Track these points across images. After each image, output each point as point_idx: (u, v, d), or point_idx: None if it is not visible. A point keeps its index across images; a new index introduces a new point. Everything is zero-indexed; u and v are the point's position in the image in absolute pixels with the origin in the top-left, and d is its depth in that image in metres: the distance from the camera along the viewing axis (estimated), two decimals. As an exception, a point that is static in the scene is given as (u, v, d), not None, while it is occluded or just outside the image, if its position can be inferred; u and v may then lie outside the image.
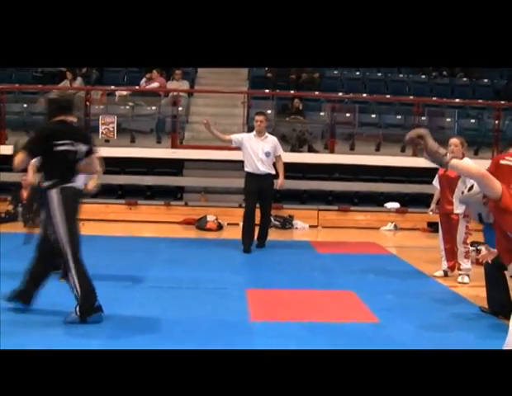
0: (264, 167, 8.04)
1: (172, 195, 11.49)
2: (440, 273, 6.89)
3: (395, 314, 5.27)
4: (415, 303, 5.76)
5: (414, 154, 11.81)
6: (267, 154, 8.07)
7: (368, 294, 5.86)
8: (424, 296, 6.02)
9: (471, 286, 6.43)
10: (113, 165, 11.05)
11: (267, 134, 8.26)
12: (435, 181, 7.08)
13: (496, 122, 12.38)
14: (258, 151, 8.04)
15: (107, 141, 11.06)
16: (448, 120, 13.14)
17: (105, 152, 10.45)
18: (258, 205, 8.21)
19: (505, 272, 4.29)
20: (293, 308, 5.43)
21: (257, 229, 8.23)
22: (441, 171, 6.65)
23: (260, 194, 8.16)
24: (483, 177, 3.53)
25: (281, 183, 8.28)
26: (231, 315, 5.10)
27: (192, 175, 11.69)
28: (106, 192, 11.07)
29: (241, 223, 10.56)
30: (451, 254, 6.81)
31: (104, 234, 8.98)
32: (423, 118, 12.63)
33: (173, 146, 11.38)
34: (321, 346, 4.34)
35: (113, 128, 11.00)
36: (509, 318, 3.57)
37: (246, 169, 8.15)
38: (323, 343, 4.40)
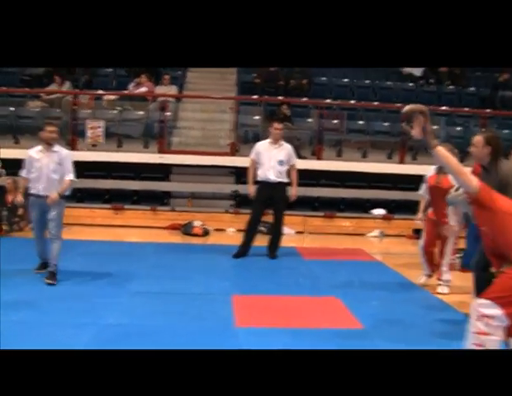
0: (275, 176, 7.93)
1: (158, 200, 11.47)
2: (423, 279, 6.89)
3: (380, 321, 5.29)
4: (400, 309, 5.79)
5: (401, 162, 11.90)
6: (281, 163, 7.96)
7: (353, 300, 5.88)
8: (409, 303, 6.06)
9: (457, 293, 6.45)
10: (100, 169, 11.07)
11: (282, 142, 8.13)
12: (422, 191, 7.01)
13: (483, 130, 12.48)
14: (271, 159, 7.95)
15: (94, 145, 11.04)
16: (435, 127, 13.22)
17: (92, 156, 10.58)
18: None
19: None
20: (278, 314, 5.44)
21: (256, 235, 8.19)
22: (431, 181, 6.60)
23: (272, 203, 8.10)
24: (460, 173, 3.56)
25: (294, 193, 8.19)
26: (216, 321, 5.11)
27: (179, 180, 11.67)
28: (93, 197, 11.08)
29: (229, 229, 10.65)
30: (432, 260, 6.83)
31: (90, 239, 8.96)
32: (410, 125, 12.69)
33: (161, 151, 11.37)
34: (305, 349, 4.37)
35: (100, 132, 10.97)
36: None
37: (258, 177, 8.04)
38: (306, 347, 4.41)
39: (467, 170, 3.77)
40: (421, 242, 6.91)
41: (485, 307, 3.45)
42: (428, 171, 6.80)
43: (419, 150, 12.43)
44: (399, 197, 11.74)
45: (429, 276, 6.87)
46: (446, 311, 5.80)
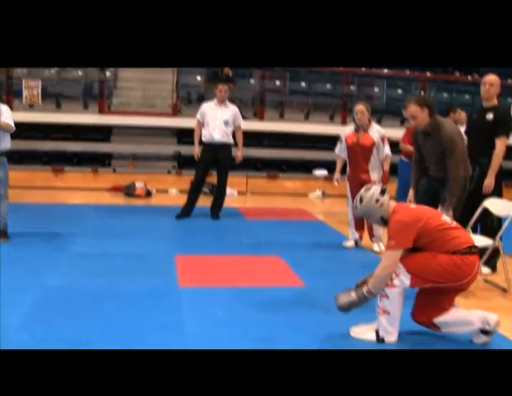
0: (221, 136, 7.90)
1: (99, 161, 11.30)
2: (351, 243, 6.82)
3: (321, 278, 5.40)
4: (341, 267, 5.91)
5: (343, 123, 12.05)
6: (226, 123, 7.93)
7: (295, 259, 5.97)
8: (350, 261, 6.18)
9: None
10: (38, 131, 10.82)
11: (228, 103, 8.09)
12: (338, 150, 6.89)
13: (422, 93, 12.78)
14: (217, 119, 7.90)
15: (31, 106, 10.75)
16: (377, 90, 13.42)
17: (29, 117, 10.30)
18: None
19: None
20: (221, 274, 5.49)
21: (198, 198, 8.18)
22: (350, 139, 6.59)
23: (216, 164, 8.09)
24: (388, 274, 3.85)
25: (240, 155, 8.22)
26: (160, 281, 5.12)
27: (121, 141, 11.52)
28: (31, 159, 10.83)
29: (171, 190, 10.62)
30: (360, 223, 6.76)
31: (30, 202, 8.79)
32: (352, 87, 12.86)
33: (101, 112, 11.18)
34: (247, 308, 4.45)
35: (38, 92, 10.69)
36: None
37: (203, 138, 7.97)
38: (248, 306, 4.50)
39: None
40: (350, 203, 6.68)
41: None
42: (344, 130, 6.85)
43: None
44: (340, 158, 11.88)
45: (356, 244, 6.82)
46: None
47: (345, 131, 6.79)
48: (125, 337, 3.81)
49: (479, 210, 5.57)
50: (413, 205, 4.26)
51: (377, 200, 3.96)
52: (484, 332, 3.96)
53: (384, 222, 4.01)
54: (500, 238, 5.43)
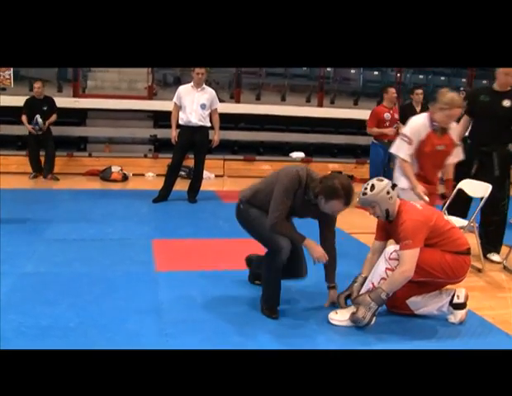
0: (197, 119, 7.87)
1: (74, 145, 11.16)
2: None
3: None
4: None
5: (320, 105, 12.06)
6: (203, 106, 7.89)
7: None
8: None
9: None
10: (11, 115, 10.62)
11: (205, 86, 8.06)
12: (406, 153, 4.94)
13: (398, 75, 12.86)
14: (194, 102, 7.87)
15: (3, 89, 10.57)
16: (353, 71, 13.43)
17: (1, 101, 10.13)
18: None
19: None
20: (198, 257, 5.49)
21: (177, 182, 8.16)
22: (431, 143, 4.89)
23: (193, 147, 8.07)
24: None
25: (216, 139, 8.23)
26: (136, 266, 5.11)
27: (96, 125, 11.39)
28: (5, 144, 10.66)
29: (148, 174, 10.56)
30: None
31: (4, 187, 8.68)
32: (328, 69, 12.85)
33: (75, 95, 11.04)
34: (224, 291, 4.46)
35: (9, 75, 10.51)
36: None
37: (180, 121, 7.93)
38: (225, 289, 4.51)
39: None
40: None
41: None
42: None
43: (337, 94, 12.64)
44: (317, 140, 11.93)
45: None
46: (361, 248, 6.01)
47: (419, 129, 4.89)
48: (103, 324, 3.80)
49: (454, 192, 5.63)
50: (417, 204, 4.17)
51: (388, 192, 3.97)
52: (455, 306, 4.07)
53: (387, 216, 4.03)
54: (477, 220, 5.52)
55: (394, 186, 4.04)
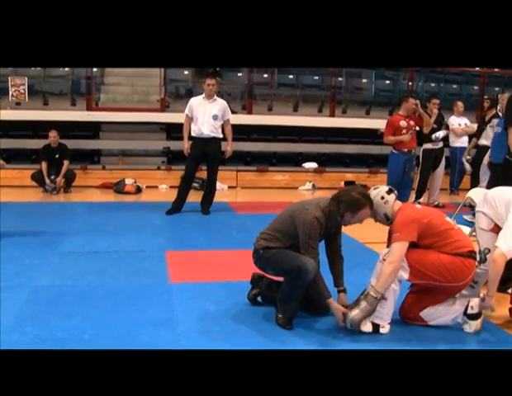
0: (209, 130, 7.90)
1: (88, 158, 11.26)
2: None
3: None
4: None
5: (332, 115, 12.06)
6: (215, 117, 7.92)
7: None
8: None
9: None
10: (26, 129, 10.75)
11: (216, 97, 8.09)
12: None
13: (410, 84, 12.84)
14: (205, 114, 7.90)
15: (18, 104, 10.69)
16: (365, 81, 13.43)
17: (16, 115, 10.24)
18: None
19: None
20: (212, 268, 5.49)
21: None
22: None
23: (205, 158, 8.08)
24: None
25: (229, 150, 8.23)
26: (150, 277, 5.12)
27: (109, 138, 11.49)
28: (20, 157, 10.77)
29: (161, 186, 10.60)
30: None
31: (19, 200, 8.75)
32: (340, 79, 12.86)
33: (89, 108, 11.13)
34: (238, 303, 4.46)
35: (24, 90, 10.63)
36: None
37: (192, 133, 7.97)
38: (240, 301, 4.51)
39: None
40: None
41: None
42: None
43: (348, 104, 12.63)
44: (330, 150, 11.93)
45: None
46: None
47: None
48: (118, 335, 3.81)
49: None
50: (419, 206, 4.38)
51: (383, 198, 4.07)
52: (470, 316, 4.03)
53: (387, 219, 4.08)
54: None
55: (390, 190, 4.12)
